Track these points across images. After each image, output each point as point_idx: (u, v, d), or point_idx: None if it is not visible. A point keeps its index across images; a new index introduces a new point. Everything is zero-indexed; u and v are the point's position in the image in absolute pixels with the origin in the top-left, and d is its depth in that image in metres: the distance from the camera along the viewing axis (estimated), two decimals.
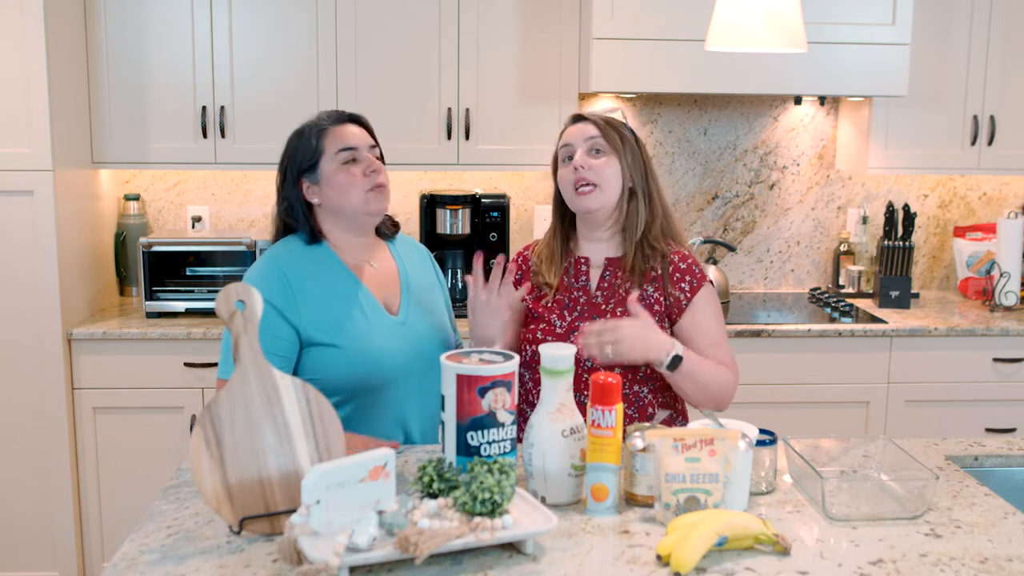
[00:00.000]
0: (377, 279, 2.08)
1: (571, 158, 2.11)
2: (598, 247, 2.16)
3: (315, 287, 1.99)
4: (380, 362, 1.98)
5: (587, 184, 2.06)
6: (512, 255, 2.34)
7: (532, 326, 2.15)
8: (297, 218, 2.05)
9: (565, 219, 2.20)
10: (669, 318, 2.10)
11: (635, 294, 2.00)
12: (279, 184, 2.08)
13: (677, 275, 2.10)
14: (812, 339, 3.37)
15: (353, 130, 2.06)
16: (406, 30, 3.43)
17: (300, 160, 2.03)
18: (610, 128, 2.10)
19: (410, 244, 2.25)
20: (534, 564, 1.47)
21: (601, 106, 3.64)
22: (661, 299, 2.09)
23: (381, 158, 2.10)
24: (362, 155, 2.03)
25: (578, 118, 2.15)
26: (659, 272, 2.10)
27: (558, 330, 2.11)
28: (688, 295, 2.09)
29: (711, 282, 2.15)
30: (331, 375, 1.94)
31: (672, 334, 2.08)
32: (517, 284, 2.19)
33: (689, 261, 2.12)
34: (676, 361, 1.97)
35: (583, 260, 2.16)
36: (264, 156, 3.36)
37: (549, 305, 2.14)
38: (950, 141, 3.63)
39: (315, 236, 2.05)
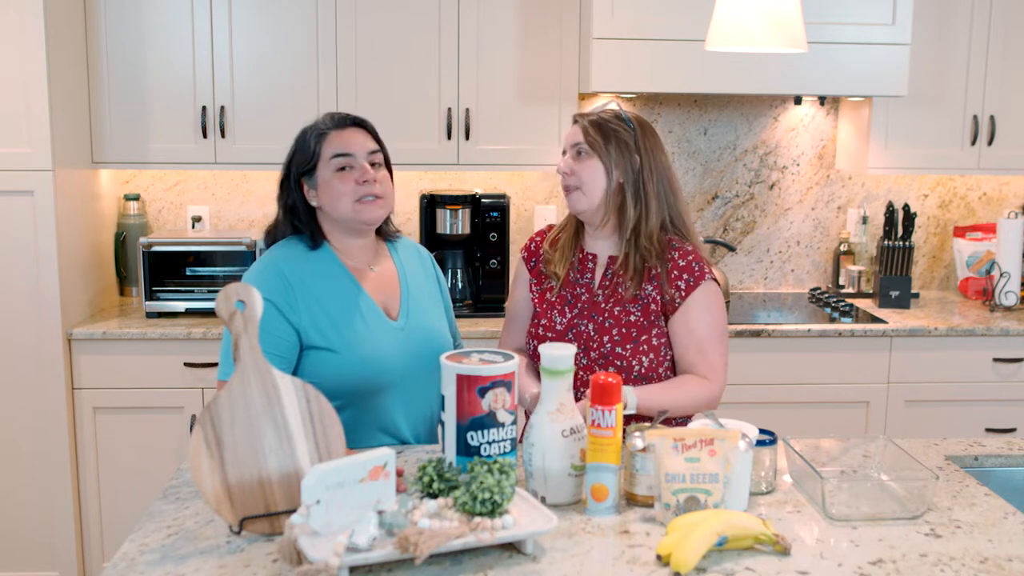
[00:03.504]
0: (377, 283, 2.07)
1: None
2: (602, 244, 2.16)
3: (315, 289, 1.98)
4: (378, 367, 1.98)
5: (570, 187, 2.10)
6: (519, 248, 2.32)
7: (535, 320, 2.17)
8: (301, 219, 2.05)
9: None
10: (664, 316, 2.10)
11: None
12: (282, 183, 2.07)
13: (675, 272, 2.08)
14: (812, 339, 3.37)
15: (354, 135, 2.02)
16: (406, 30, 3.42)
17: (299, 163, 2.03)
18: (594, 128, 2.09)
19: (411, 247, 2.23)
20: (534, 564, 1.47)
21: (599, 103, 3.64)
22: (659, 297, 2.09)
23: (387, 162, 2.08)
24: (357, 162, 1.99)
25: (575, 119, 2.16)
26: (659, 271, 2.09)
27: (558, 327, 2.12)
28: (683, 294, 2.07)
29: (715, 280, 2.10)
30: (329, 379, 1.92)
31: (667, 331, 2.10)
32: (533, 272, 2.22)
33: (690, 258, 2.08)
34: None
35: (591, 256, 2.17)
36: (264, 156, 3.36)
37: (552, 300, 2.15)
38: (950, 141, 3.63)
39: (315, 239, 2.04)
